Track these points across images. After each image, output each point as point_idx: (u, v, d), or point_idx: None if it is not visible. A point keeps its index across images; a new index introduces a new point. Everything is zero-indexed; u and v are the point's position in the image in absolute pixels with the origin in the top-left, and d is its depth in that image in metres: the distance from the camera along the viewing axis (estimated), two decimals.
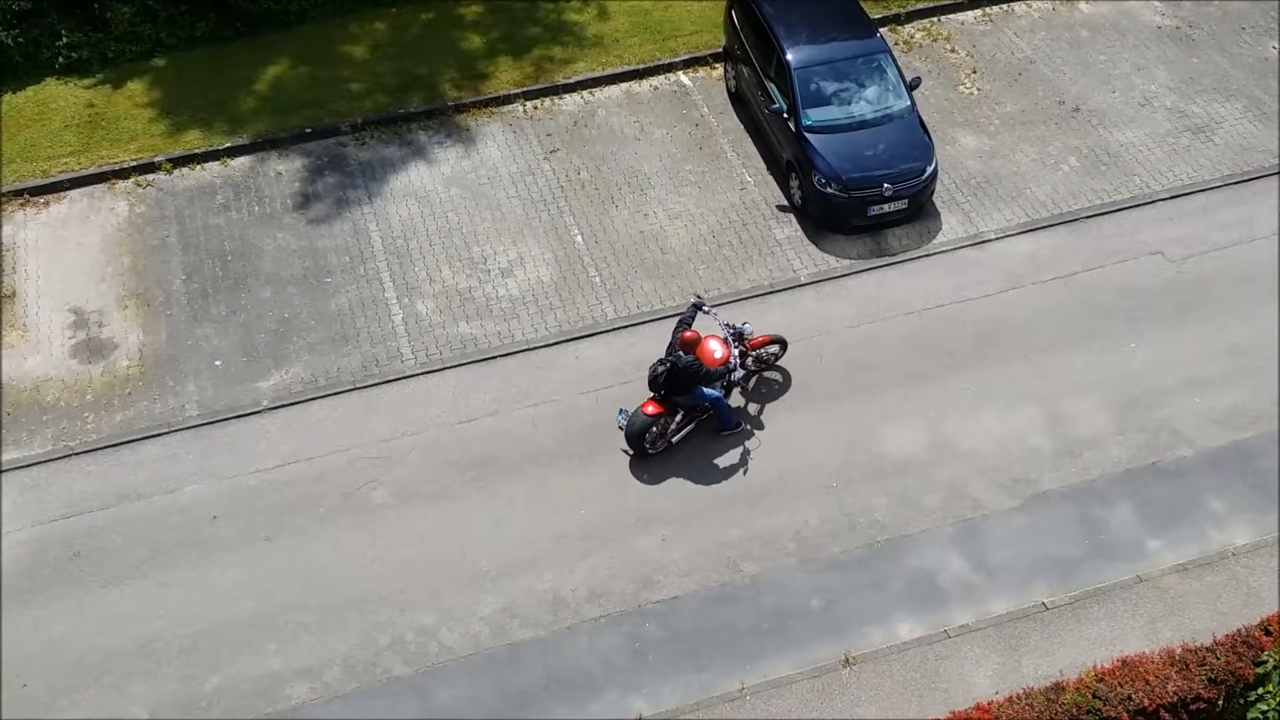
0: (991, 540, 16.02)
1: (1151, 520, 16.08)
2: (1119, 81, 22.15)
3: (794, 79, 19.89)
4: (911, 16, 23.54)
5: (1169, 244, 19.35)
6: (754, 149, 21.39)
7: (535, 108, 22.28)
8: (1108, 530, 16.02)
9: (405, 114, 22.04)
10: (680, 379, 16.39)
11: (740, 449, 16.98)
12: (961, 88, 22.29)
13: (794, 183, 20.17)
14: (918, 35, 23.31)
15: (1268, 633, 13.24)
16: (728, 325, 17.10)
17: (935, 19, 23.61)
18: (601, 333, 18.61)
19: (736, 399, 17.50)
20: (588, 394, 17.77)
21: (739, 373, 17.02)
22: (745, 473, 16.72)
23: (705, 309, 17.10)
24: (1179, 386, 17.48)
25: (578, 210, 20.43)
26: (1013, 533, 16.08)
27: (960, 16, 23.68)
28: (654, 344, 18.22)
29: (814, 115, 19.82)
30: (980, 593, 15.52)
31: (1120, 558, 15.75)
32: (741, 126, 21.83)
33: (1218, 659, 13.06)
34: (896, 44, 22.82)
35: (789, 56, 20.08)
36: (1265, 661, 12.59)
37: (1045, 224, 19.84)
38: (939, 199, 20.29)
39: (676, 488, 16.65)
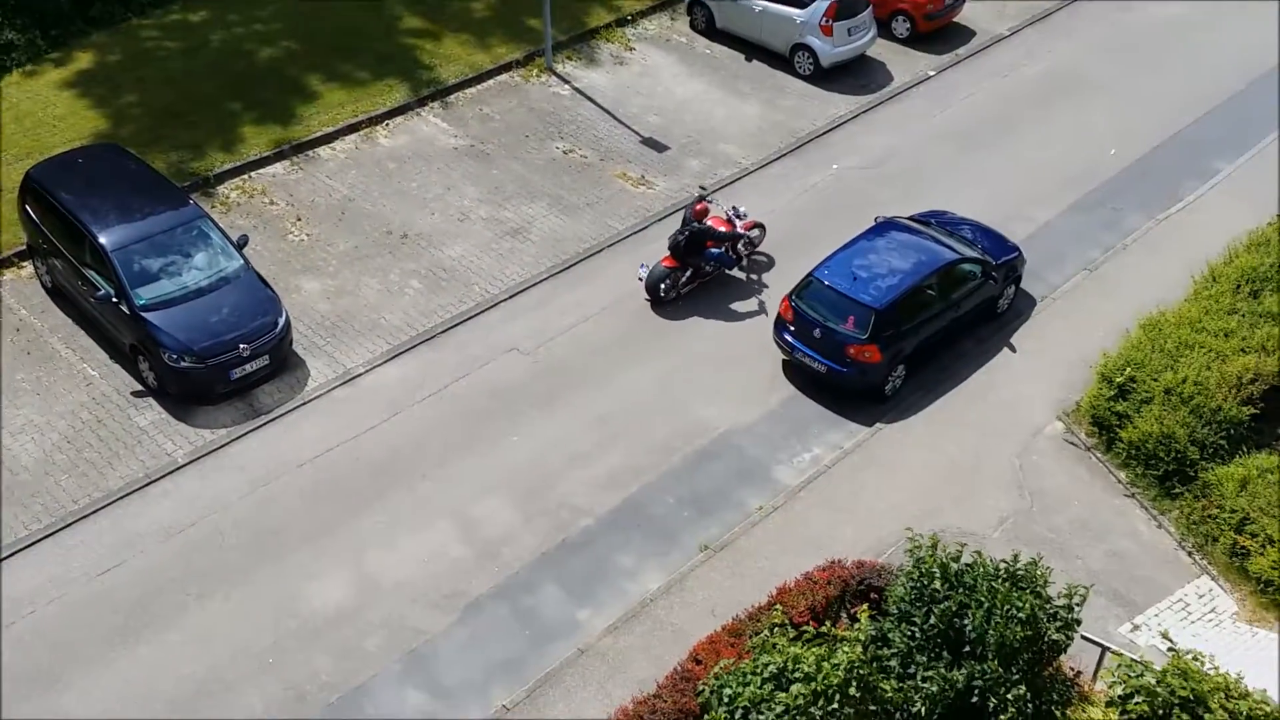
0: (441, 662, 16.03)
1: (576, 593, 16.97)
2: (435, 203, 23.50)
3: (114, 262, 18.88)
4: (221, 178, 23.35)
5: (520, 339, 20.76)
6: (90, 341, 19.97)
7: None
8: (541, 615, 16.67)
9: None
10: (696, 241, 21.16)
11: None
12: (290, 236, 22.43)
13: (143, 365, 19.07)
14: (233, 194, 23.15)
15: (698, 661, 14.42)
16: (732, 208, 22.21)
17: (245, 176, 23.59)
18: None
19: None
20: None
21: (741, 240, 21.77)
22: None
23: (707, 197, 22.29)
24: (566, 464, 18.71)
25: None
26: (458, 648, 16.21)
27: (270, 169, 23.87)
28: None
29: (146, 293, 18.92)
30: (444, 718, 15.43)
31: (559, 637, 16.44)
32: (70, 321, 20.30)
33: (665, 702, 13.99)
34: (213, 207, 22.49)
35: (103, 240, 19.03)
36: (703, 689, 13.63)
37: (407, 347, 20.45)
38: (299, 347, 20.19)
39: (108, 714, 14.94)
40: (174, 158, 23.47)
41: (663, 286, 21.39)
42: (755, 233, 22.46)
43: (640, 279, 21.51)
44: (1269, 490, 17.73)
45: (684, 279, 21.60)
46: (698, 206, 21.52)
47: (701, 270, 21.74)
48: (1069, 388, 20.37)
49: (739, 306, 21.68)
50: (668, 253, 21.53)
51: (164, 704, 15.27)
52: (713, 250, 21.54)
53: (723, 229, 21.66)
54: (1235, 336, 19.96)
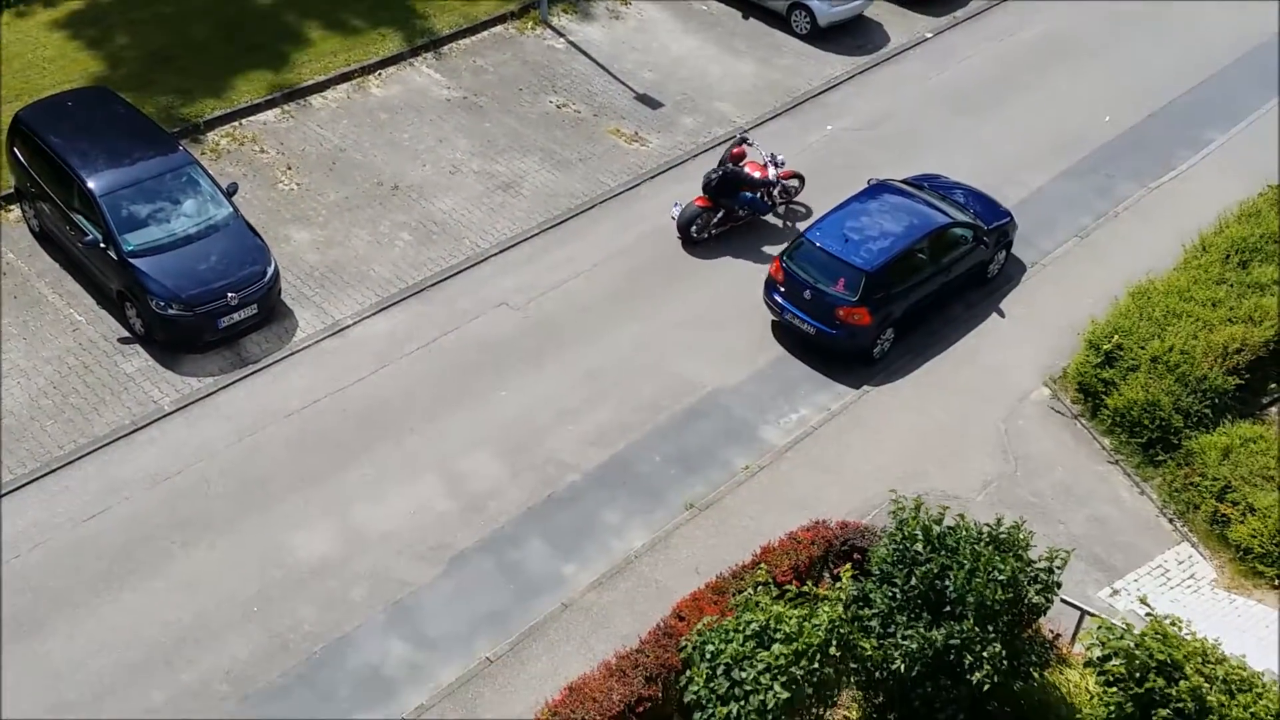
0: (425, 613, 16.11)
1: (561, 548, 17.05)
2: (427, 155, 23.35)
3: (102, 207, 18.75)
4: (211, 124, 23.15)
5: (510, 293, 20.71)
6: (78, 286, 19.87)
7: None
8: (527, 569, 16.75)
9: None
10: (729, 183, 21.25)
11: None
12: (281, 185, 22.29)
13: (131, 312, 18.99)
14: (223, 142, 22.96)
15: (681, 618, 14.50)
16: (770, 154, 22.00)
17: (236, 123, 23.40)
18: None
19: None
20: None
21: (776, 187, 21.82)
22: None
23: (749, 141, 22.16)
24: (553, 420, 18.72)
25: None
26: (443, 600, 16.29)
27: (261, 117, 23.67)
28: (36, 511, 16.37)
29: (134, 240, 18.80)
30: (427, 669, 15.54)
31: (544, 591, 16.52)
32: (57, 265, 20.19)
33: (647, 657, 14.07)
34: (203, 154, 22.32)
35: (91, 185, 18.89)
36: (685, 645, 13.73)
37: (396, 300, 20.38)
38: (288, 297, 20.11)
39: (92, 658, 14.98)
40: (164, 102, 23.27)
41: (694, 226, 21.53)
42: (793, 183, 22.54)
43: (673, 217, 21.67)
44: (1251, 459, 17.85)
45: (715, 219, 21.69)
46: (735, 150, 21.73)
47: (734, 213, 21.80)
48: (1056, 354, 20.42)
49: (770, 250, 21.69)
50: (701, 193, 21.61)
51: (148, 650, 15.34)
52: (746, 194, 21.68)
53: (757, 174, 21.75)
54: (1223, 306, 20.02)
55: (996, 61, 26.92)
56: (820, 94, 25.72)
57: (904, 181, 21.73)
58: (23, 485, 16.94)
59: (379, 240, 21.44)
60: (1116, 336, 19.52)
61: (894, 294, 19.68)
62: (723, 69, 26.16)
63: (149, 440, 17.79)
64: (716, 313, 20.67)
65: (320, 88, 24.42)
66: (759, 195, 21.85)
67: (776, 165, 22.07)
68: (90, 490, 17.04)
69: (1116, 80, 26.42)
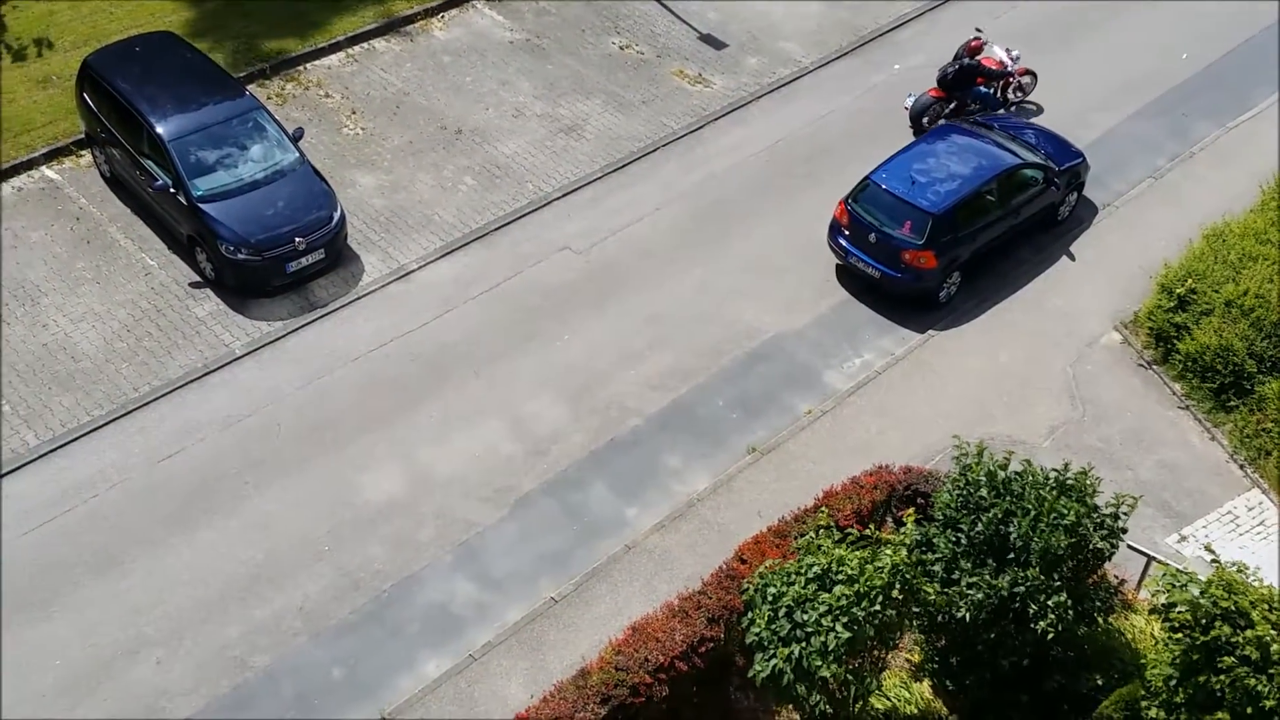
0: (491, 554, 16.36)
1: (624, 491, 17.18)
2: (490, 98, 23.32)
3: (171, 152, 18.98)
4: (277, 69, 23.29)
5: (573, 238, 20.72)
6: (149, 231, 20.20)
7: None
8: (590, 512, 16.91)
9: None
10: (966, 75, 22.12)
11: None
12: (345, 130, 22.41)
13: (201, 256, 19.29)
14: (289, 87, 23.10)
15: (743, 560, 14.58)
16: (1006, 49, 22.66)
17: (301, 68, 23.52)
18: (29, 462, 16.81)
19: None
20: (29, 534, 15.96)
21: (1012, 83, 22.62)
22: None
23: (985, 39, 22.56)
24: (616, 364, 18.79)
25: None
26: (508, 541, 16.52)
27: (325, 61, 23.76)
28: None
29: (203, 185, 19.04)
30: (494, 608, 15.80)
31: (607, 533, 16.68)
32: (129, 210, 20.51)
33: (710, 598, 14.19)
34: (269, 99, 22.46)
35: (160, 130, 19.12)
36: (747, 588, 13.82)
37: (460, 244, 20.49)
38: (354, 242, 20.30)
39: (169, 595, 15.47)
40: (230, 47, 23.42)
41: (926, 117, 22.26)
42: (1027, 79, 22.98)
43: (906, 108, 22.43)
44: None
45: (946, 111, 22.39)
46: (973, 43, 22.46)
47: (965, 106, 22.28)
48: (1128, 298, 20.07)
49: None
50: (935, 85, 22.43)
51: (223, 586, 15.75)
52: (980, 88, 22.32)
53: (994, 68, 22.42)
54: None
55: None
56: (888, 32, 25.26)
57: (973, 121, 21.36)
58: (100, 427, 17.36)
59: (443, 185, 21.52)
60: (1190, 280, 19.14)
61: (961, 237, 19.43)
62: (788, 8, 25.77)
63: (221, 383, 18.13)
64: (781, 256, 20.53)
65: (383, 31, 24.44)
66: (993, 90, 22.31)
67: (1013, 61, 22.50)
68: (165, 431, 17.44)
69: (1193, 17, 25.64)
